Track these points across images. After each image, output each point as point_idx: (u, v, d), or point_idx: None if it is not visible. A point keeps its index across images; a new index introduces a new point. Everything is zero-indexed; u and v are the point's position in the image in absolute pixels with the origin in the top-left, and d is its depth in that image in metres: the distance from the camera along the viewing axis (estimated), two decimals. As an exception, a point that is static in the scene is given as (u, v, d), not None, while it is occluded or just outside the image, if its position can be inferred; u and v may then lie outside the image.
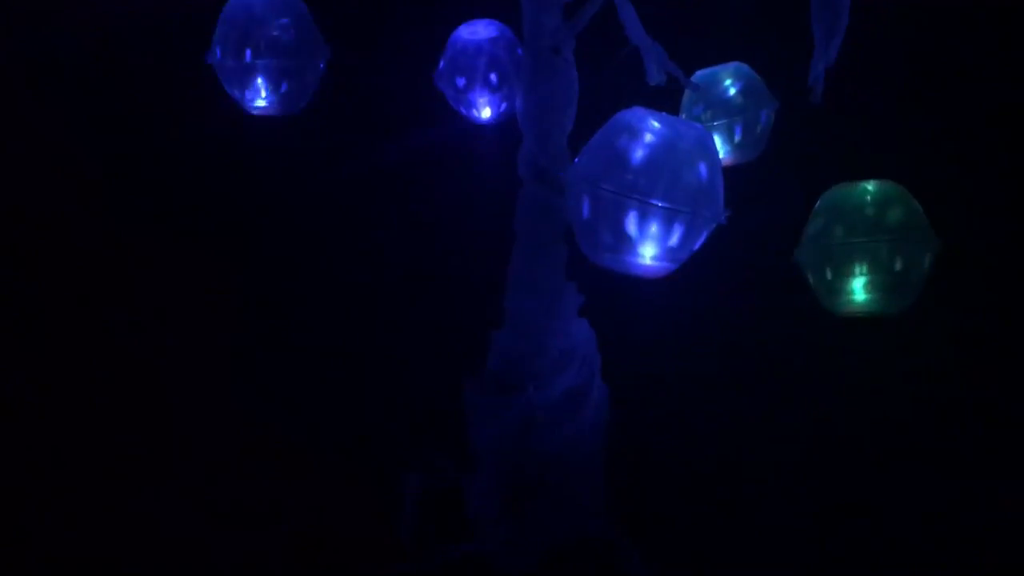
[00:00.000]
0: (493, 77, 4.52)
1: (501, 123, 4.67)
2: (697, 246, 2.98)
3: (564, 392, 4.09)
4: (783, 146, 4.10)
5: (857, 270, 3.36)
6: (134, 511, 4.25)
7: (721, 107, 4.40)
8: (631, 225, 2.89)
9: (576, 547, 4.05)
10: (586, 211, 2.99)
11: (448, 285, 5.05)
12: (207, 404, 4.81)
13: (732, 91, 4.43)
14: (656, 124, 2.93)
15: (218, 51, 3.87)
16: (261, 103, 3.93)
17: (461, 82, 4.55)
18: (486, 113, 4.64)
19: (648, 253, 2.93)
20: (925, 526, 3.98)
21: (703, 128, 3.00)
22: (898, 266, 3.33)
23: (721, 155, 4.46)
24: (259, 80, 3.88)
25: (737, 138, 4.36)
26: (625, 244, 2.92)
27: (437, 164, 5.25)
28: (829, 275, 3.41)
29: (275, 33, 3.82)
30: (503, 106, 4.61)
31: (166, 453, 4.59)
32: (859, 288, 3.40)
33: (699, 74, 4.38)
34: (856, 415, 4.33)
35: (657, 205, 2.85)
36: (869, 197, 3.41)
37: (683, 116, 4.58)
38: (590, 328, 4.11)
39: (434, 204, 5.24)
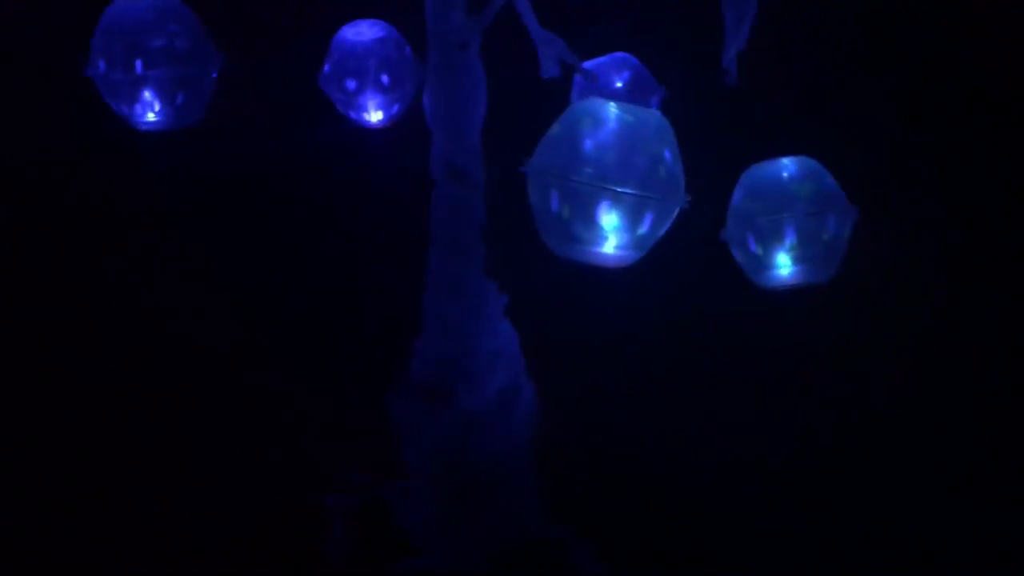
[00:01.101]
0: (385, 79, 4.38)
1: (392, 126, 4.54)
2: (663, 232, 2.99)
3: (496, 392, 4.05)
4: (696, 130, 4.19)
5: (782, 243, 3.47)
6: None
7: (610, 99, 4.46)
8: (603, 215, 2.87)
9: (523, 549, 4.01)
10: (555, 204, 2.93)
11: (360, 294, 4.89)
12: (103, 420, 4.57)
13: (619, 83, 4.49)
14: (618, 112, 2.92)
15: (101, 63, 3.59)
16: (152, 117, 3.66)
17: (351, 85, 4.39)
18: (377, 116, 4.49)
19: (618, 243, 2.92)
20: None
21: (659, 113, 3.01)
22: (823, 236, 3.45)
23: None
24: (148, 93, 3.61)
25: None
26: (596, 235, 2.90)
27: (333, 170, 5.06)
28: (756, 250, 3.50)
29: (165, 42, 3.57)
30: (395, 108, 4.48)
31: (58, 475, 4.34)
32: (785, 261, 3.51)
33: (585, 65, 4.40)
34: (792, 398, 4.47)
35: (629, 193, 2.84)
36: (786, 173, 3.52)
37: None
38: (512, 327, 4.08)
39: (337, 212, 5.06)
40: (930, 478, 4.28)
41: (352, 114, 4.51)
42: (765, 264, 3.51)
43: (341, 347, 4.82)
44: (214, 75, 3.75)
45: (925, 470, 4.30)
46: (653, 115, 2.94)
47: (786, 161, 3.51)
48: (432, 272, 4.04)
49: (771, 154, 3.57)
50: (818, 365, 4.47)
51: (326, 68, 4.42)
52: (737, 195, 3.49)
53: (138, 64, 3.52)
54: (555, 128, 3.06)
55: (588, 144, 2.89)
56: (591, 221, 2.88)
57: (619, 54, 4.55)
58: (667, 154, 2.92)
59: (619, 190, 2.82)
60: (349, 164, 4.94)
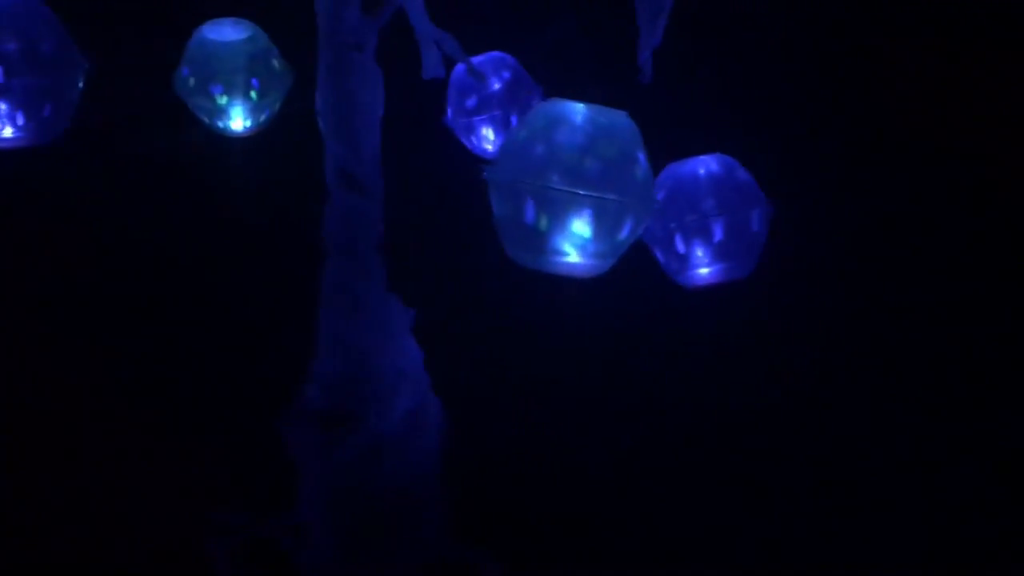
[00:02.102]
0: (256, 83, 4.03)
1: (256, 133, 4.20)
2: (636, 237, 2.87)
3: (404, 414, 3.82)
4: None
5: (709, 242, 3.48)
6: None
7: (488, 100, 4.34)
8: (578, 223, 2.70)
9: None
10: (530, 214, 2.73)
11: (246, 311, 4.47)
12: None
13: (497, 84, 4.37)
14: (588, 114, 2.76)
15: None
16: (8, 133, 3.17)
17: (217, 90, 4.01)
18: (243, 125, 4.12)
19: (595, 250, 2.76)
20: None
21: (626, 113, 2.88)
22: (746, 233, 3.49)
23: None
24: (3, 106, 3.13)
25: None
26: (573, 244, 2.73)
27: (208, 180, 4.60)
28: (682, 249, 3.49)
29: (23, 46, 3.10)
30: (264, 115, 4.13)
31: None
32: (706, 259, 3.52)
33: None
34: (702, 401, 4.48)
35: (611, 199, 2.69)
36: (704, 170, 3.51)
37: (450, 109, 4.46)
38: (416, 344, 3.87)
39: (217, 225, 4.59)
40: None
41: (217, 122, 4.13)
42: (690, 263, 3.49)
43: (229, 369, 4.42)
44: (80, 84, 3.31)
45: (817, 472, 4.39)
46: (621, 115, 2.81)
47: (704, 158, 3.50)
48: (328, 287, 3.76)
49: (687, 152, 3.56)
50: (730, 364, 4.51)
51: (185, 71, 4.02)
52: (658, 195, 3.44)
53: (-2, 71, 3.04)
54: (521, 132, 2.87)
55: (561, 148, 2.71)
56: (568, 230, 2.71)
57: (496, 53, 4.43)
58: (641, 156, 2.80)
59: (599, 195, 2.66)
60: (222, 174, 4.54)
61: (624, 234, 2.76)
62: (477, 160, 4.18)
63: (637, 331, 4.48)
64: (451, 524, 3.93)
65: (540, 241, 2.77)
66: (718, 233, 3.44)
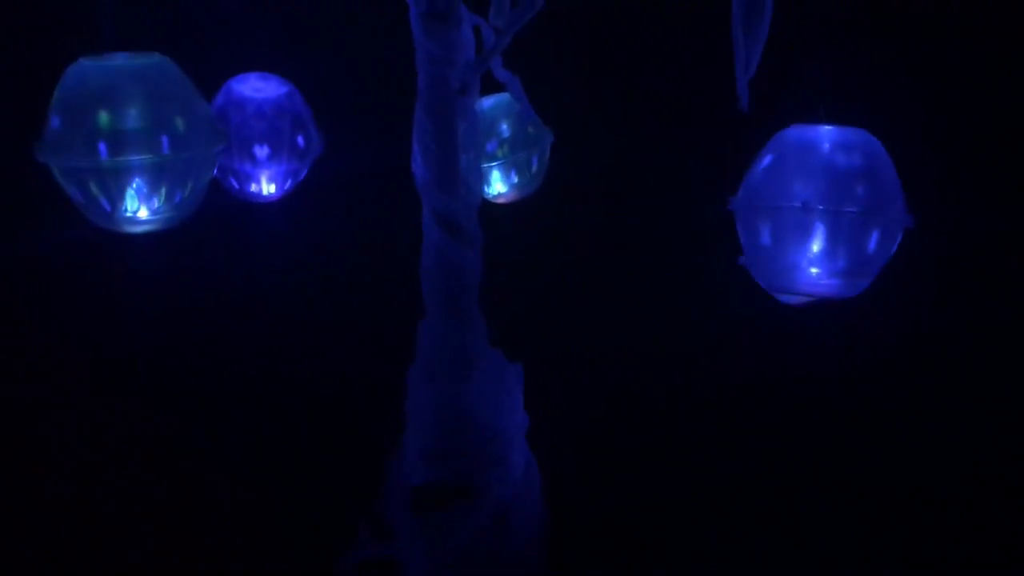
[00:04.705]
0: (300, 141, 3.63)
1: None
2: (891, 253, 2.87)
3: (521, 475, 3.62)
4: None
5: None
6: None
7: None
8: (819, 240, 2.70)
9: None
10: (766, 237, 2.71)
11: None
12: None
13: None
14: (832, 133, 2.77)
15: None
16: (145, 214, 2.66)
17: (262, 152, 3.56)
18: (270, 189, 3.71)
19: (839, 269, 2.76)
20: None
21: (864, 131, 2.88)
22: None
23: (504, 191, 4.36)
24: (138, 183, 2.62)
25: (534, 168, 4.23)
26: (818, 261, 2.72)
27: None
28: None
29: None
30: (300, 176, 3.74)
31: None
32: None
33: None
34: None
35: (853, 212, 2.69)
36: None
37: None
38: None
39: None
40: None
41: (244, 187, 3.68)
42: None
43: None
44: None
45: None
46: (863, 134, 2.84)
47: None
48: (427, 348, 3.48)
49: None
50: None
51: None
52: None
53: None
54: (763, 162, 2.83)
55: (816, 170, 2.71)
56: (806, 248, 2.70)
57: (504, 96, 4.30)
58: (889, 170, 2.83)
59: (843, 209, 2.67)
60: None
61: (871, 247, 2.80)
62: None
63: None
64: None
65: (782, 264, 2.77)
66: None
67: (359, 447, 3.71)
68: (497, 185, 4.13)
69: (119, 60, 2.66)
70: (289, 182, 3.72)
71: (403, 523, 3.57)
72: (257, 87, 3.61)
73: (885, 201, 2.76)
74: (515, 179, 4.14)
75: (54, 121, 2.60)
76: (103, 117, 2.56)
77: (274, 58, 3.73)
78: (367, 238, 4.36)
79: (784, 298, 3.43)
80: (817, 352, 4.35)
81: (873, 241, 2.76)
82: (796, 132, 2.89)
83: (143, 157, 2.58)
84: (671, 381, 4.45)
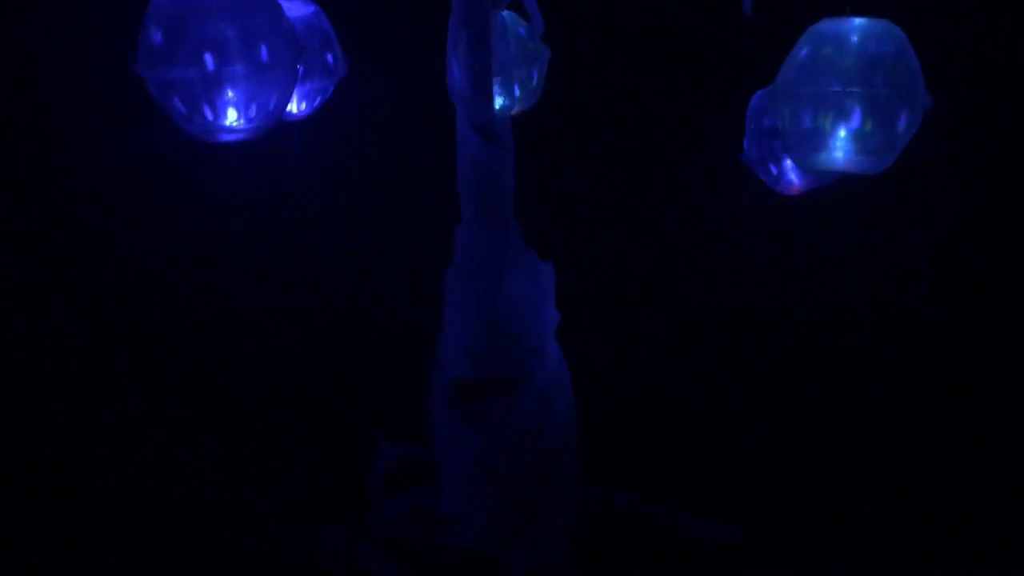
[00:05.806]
0: (330, 59, 3.72)
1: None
2: (913, 132, 3.18)
3: (557, 365, 3.87)
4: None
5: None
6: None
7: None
8: (855, 119, 3.03)
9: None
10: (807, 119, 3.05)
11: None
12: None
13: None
14: (862, 24, 3.06)
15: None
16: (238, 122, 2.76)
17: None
18: (301, 107, 3.79)
19: (871, 147, 3.08)
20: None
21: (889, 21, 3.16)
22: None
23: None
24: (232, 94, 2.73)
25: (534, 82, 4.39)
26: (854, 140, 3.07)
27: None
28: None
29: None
30: (327, 94, 3.83)
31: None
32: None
33: None
34: None
35: (887, 93, 3.00)
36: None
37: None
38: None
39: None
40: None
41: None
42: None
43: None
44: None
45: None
46: (890, 25, 3.13)
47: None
48: (464, 251, 3.68)
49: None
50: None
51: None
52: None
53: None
54: (796, 54, 3.12)
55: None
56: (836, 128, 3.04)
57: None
58: (911, 58, 3.14)
59: (872, 91, 2.99)
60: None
61: (901, 127, 3.13)
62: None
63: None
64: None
65: (820, 144, 3.09)
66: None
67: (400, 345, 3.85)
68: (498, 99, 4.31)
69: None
70: (318, 100, 3.83)
71: (443, 420, 3.78)
72: (285, 7, 3.69)
73: (912, 84, 3.10)
74: (517, 93, 4.32)
75: (155, 36, 2.68)
76: (206, 30, 2.65)
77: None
78: (396, 158, 4.49)
79: (792, 183, 3.82)
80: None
81: (903, 120, 3.10)
82: (829, 24, 3.18)
83: (245, 66, 2.69)
84: (685, 280, 4.73)
